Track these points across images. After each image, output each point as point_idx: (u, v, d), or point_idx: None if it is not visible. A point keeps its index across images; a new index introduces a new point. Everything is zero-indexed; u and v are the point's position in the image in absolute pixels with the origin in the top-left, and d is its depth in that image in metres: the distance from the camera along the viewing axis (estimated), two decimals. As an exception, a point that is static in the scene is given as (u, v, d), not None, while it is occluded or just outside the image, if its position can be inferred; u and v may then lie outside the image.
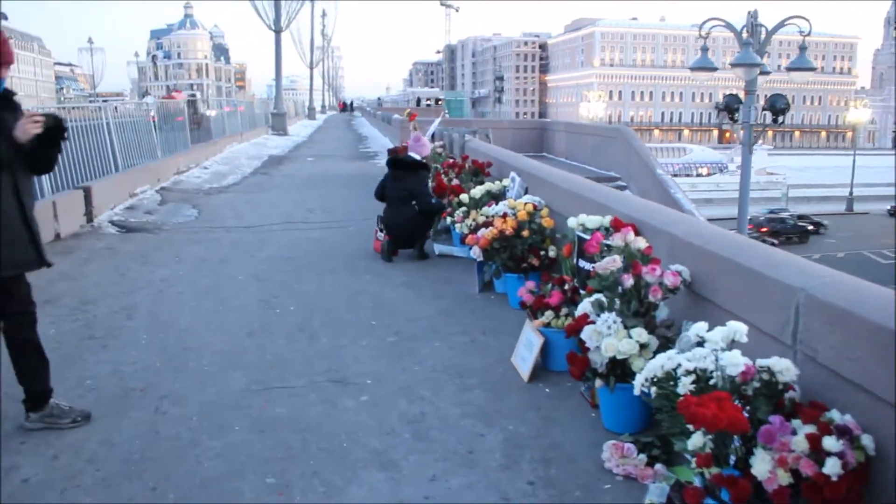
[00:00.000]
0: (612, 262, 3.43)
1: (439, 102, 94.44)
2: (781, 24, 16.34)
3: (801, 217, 55.63)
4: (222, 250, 8.28)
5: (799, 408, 2.57)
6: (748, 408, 2.60)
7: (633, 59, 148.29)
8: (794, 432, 2.39)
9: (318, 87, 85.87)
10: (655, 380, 2.78)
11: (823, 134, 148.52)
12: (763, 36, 16.50)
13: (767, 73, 17.05)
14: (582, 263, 4.59)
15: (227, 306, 6.11)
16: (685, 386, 2.61)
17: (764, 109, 16.42)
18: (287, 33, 37.01)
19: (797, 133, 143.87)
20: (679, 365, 2.69)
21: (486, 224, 6.10)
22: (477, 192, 7.06)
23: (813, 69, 16.55)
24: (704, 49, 16.89)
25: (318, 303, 6.19)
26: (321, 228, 9.61)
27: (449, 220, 7.44)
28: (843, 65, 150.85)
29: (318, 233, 9.31)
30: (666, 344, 3.50)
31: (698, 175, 78.48)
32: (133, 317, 5.85)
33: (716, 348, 2.57)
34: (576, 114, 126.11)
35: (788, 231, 51.52)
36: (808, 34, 15.83)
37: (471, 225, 6.61)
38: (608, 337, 3.42)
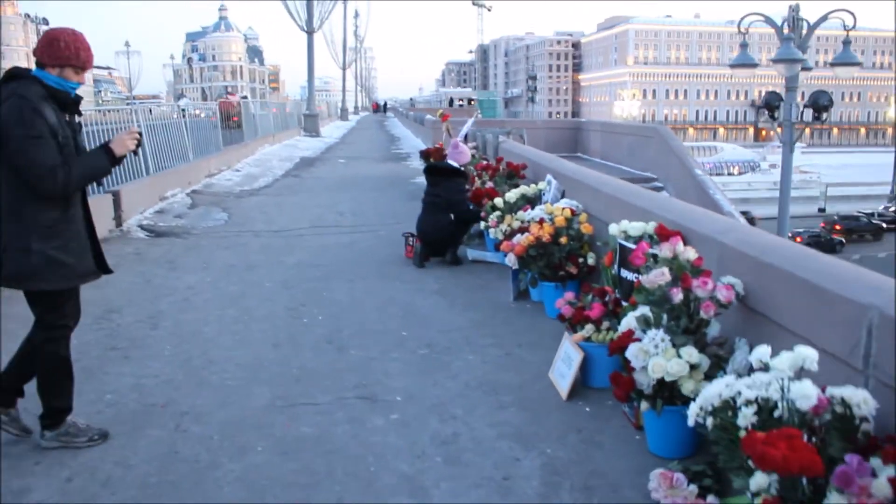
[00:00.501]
0: (661, 276, 3.17)
1: (472, 102, 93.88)
2: (824, 18, 15.82)
3: (880, 214, 54.60)
4: (250, 256, 8.13)
5: (874, 442, 2.30)
6: (814, 439, 2.33)
7: (668, 56, 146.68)
8: (874, 474, 2.11)
9: (351, 88, 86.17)
10: (712, 409, 2.51)
11: (863, 131, 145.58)
12: (804, 31, 16.01)
13: (809, 68, 16.54)
14: (624, 273, 4.32)
15: (253, 315, 5.93)
16: (746, 418, 2.34)
17: (806, 106, 15.94)
18: (320, 34, 36.97)
19: (835, 130, 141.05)
20: (739, 393, 2.42)
21: (522, 230, 5.84)
22: (512, 195, 6.79)
23: (858, 64, 16.03)
24: (744, 45, 16.45)
25: (348, 312, 5.99)
26: (351, 233, 9.42)
27: (483, 224, 7.20)
28: (883, 60, 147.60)
29: (349, 237, 9.12)
30: (718, 363, 3.23)
31: (729, 174, 77.33)
32: (157, 326, 5.69)
33: (782, 377, 2.29)
34: (609, 113, 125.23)
35: (862, 229, 50.96)
36: (853, 28, 15.36)
37: (505, 230, 6.35)
38: (656, 356, 3.15)
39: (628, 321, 3.55)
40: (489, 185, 7.99)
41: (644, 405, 3.28)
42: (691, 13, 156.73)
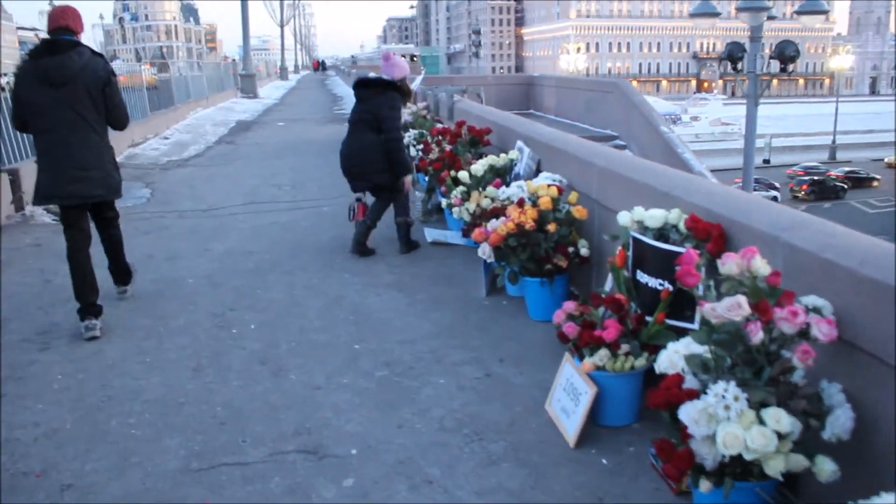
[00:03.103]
0: (736, 309, 2.18)
1: (414, 59, 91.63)
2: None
3: None
4: (173, 243, 6.95)
5: None
6: None
7: (610, 9, 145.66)
8: None
9: (290, 47, 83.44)
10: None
11: (801, 81, 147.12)
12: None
13: (774, 17, 15.74)
14: (642, 277, 3.34)
15: (169, 326, 4.81)
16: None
17: (772, 57, 15.19)
18: (254, -11, 34.97)
19: (775, 81, 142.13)
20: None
21: (495, 212, 4.82)
22: (478, 167, 5.71)
23: (826, 12, 15.30)
24: (705, -7, 15.59)
25: (286, 317, 4.91)
26: (290, 209, 8.28)
27: (444, 201, 6.13)
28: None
29: (287, 215, 7.98)
30: (807, 424, 2.28)
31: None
32: (49, 346, 4.56)
33: None
34: (553, 66, 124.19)
35: None
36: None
37: (474, 210, 5.31)
38: (727, 421, 2.19)
39: (670, 358, 2.57)
40: (448, 149, 6.88)
41: (704, 485, 2.31)
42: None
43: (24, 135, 9.04)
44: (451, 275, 5.68)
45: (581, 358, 3.28)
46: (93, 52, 4.74)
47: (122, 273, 5.34)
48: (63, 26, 4.66)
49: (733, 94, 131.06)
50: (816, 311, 2.36)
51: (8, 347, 4.50)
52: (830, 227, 2.68)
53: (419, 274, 5.72)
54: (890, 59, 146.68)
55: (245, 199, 8.93)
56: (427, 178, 7.12)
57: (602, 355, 3.13)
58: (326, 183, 9.80)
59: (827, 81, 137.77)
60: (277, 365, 4.16)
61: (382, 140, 6.06)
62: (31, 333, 4.74)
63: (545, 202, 4.32)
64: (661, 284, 3.21)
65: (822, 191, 48.97)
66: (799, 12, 15.19)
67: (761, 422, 2.17)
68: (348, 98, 31.07)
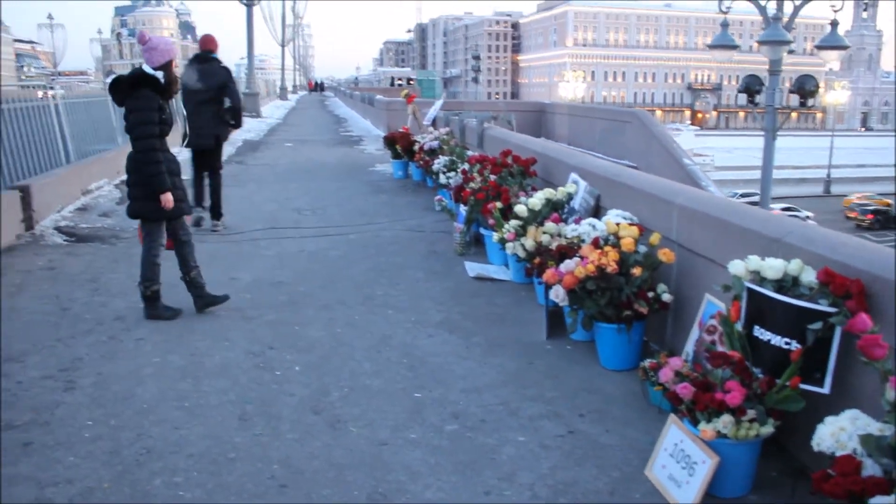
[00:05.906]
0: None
1: (411, 82, 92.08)
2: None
3: None
4: (196, 270, 6.56)
5: None
6: None
7: (606, 38, 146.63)
8: None
9: (289, 67, 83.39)
10: None
11: (794, 115, 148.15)
12: (791, 10, 14.97)
13: (792, 51, 15.61)
14: (762, 334, 2.98)
15: (204, 365, 4.42)
16: None
17: (791, 91, 15.04)
18: (258, 9, 34.75)
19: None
20: None
21: (562, 251, 4.47)
22: (536, 201, 5.36)
23: (846, 47, 15.11)
24: (724, 25, 15.43)
25: (332, 359, 4.53)
26: (316, 236, 7.89)
27: (495, 235, 5.75)
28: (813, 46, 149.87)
29: (314, 243, 7.59)
30: None
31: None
32: (74, 385, 4.16)
33: None
34: (549, 93, 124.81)
35: None
36: (840, 9, 14.52)
37: (532, 247, 4.95)
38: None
39: (836, 437, 2.22)
40: (492, 179, 6.51)
41: None
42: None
43: (32, 152, 8.72)
44: (503, 314, 5.31)
45: (694, 422, 2.92)
46: (221, 64, 8.07)
47: (217, 211, 8.21)
48: (206, 49, 8.12)
49: (727, 126, 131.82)
50: None
51: (30, 386, 4.11)
52: None
53: (469, 313, 5.34)
54: (881, 95, 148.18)
55: (265, 223, 8.54)
56: (467, 209, 6.76)
57: (725, 421, 2.76)
58: (348, 209, 9.47)
59: (819, 115, 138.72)
60: (333, 415, 3.77)
61: (137, 157, 5.10)
62: (53, 369, 4.34)
63: (628, 243, 3.97)
64: (787, 343, 2.86)
65: (886, 220, 49.05)
66: (819, 47, 15.01)
67: None
68: (352, 120, 30.89)
